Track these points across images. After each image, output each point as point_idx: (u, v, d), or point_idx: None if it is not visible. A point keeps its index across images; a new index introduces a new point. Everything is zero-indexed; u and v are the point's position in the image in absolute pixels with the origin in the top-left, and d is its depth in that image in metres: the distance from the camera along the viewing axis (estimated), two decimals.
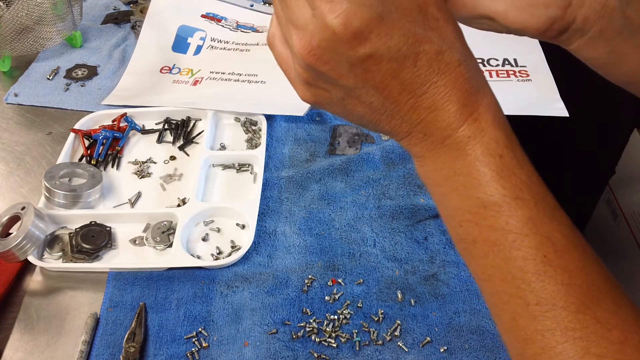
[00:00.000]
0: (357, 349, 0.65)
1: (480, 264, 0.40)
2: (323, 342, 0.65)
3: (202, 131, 0.90)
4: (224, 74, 1.00)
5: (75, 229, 0.75)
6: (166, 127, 0.92)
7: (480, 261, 0.40)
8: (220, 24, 1.09)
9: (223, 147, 0.89)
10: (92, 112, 0.93)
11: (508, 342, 0.40)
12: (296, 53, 0.37)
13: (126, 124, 0.91)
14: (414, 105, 0.38)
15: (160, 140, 0.90)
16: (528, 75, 0.97)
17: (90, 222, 0.76)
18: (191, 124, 0.92)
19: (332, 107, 0.41)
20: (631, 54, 0.53)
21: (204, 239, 0.76)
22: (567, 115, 0.88)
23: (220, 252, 0.74)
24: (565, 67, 0.84)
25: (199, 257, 0.73)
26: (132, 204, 0.81)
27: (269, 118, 0.91)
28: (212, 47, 1.06)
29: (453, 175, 0.39)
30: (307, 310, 0.68)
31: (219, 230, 0.77)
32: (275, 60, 0.42)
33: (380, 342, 0.65)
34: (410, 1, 0.37)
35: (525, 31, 0.51)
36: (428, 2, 0.37)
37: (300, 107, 0.90)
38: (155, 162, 0.87)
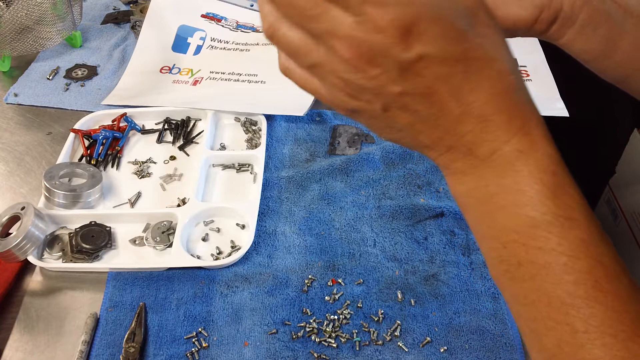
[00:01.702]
0: (357, 349, 0.65)
1: (523, 288, 0.37)
2: (323, 342, 0.65)
3: (202, 131, 0.90)
4: (224, 74, 1.00)
5: (75, 229, 0.75)
6: (166, 127, 0.92)
7: (524, 285, 0.37)
8: (220, 24, 1.09)
9: (223, 147, 0.89)
10: (92, 112, 0.93)
11: None
12: (343, 61, 0.34)
13: (126, 124, 0.91)
14: (463, 114, 0.35)
15: (160, 140, 0.90)
16: (528, 75, 0.97)
17: (90, 222, 0.76)
18: (191, 124, 0.92)
19: (371, 120, 0.39)
20: (621, 41, 0.53)
21: (204, 239, 0.76)
22: (567, 115, 0.88)
23: (220, 252, 0.74)
24: (565, 67, 0.84)
25: (199, 257, 0.73)
26: (132, 204, 0.81)
27: (269, 118, 0.91)
28: (212, 47, 1.06)
29: (501, 193, 0.37)
30: (307, 310, 0.68)
31: (219, 230, 0.77)
32: (299, 84, 0.39)
33: (380, 342, 0.65)
34: (464, 4, 0.35)
35: (516, 25, 0.51)
36: (480, 7, 0.36)
37: (300, 107, 0.90)
38: (155, 162, 0.87)
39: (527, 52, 0.99)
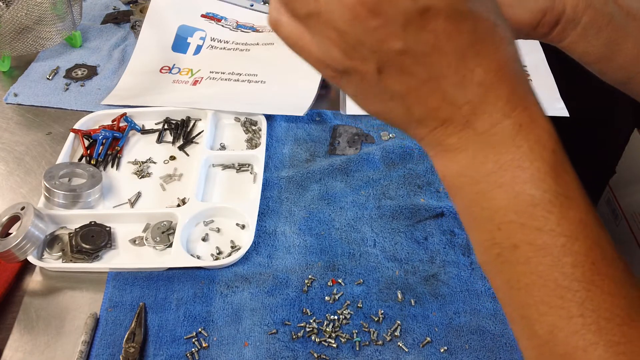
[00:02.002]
0: (357, 349, 0.65)
1: (516, 272, 0.35)
2: (323, 342, 0.65)
3: (202, 131, 0.90)
4: (224, 73, 1.00)
5: (75, 229, 0.75)
6: (166, 127, 0.92)
7: (518, 268, 0.35)
8: (220, 23, 1.09)
9: (223, 147, 0.89)
10: (91, 112, 0.93)
11: (537, 358, 0.36)
12: (343, 6, 0.31)
13: (126, 124, 0.91)
14: (464, 80, 0.33)
15: (160, 140, 0.90)
16: (528, 75, 0.97)
17: (90, 222, 0.76)
18: (191, 124, 0.92)
19: (361, 85, 0.35)
20: (624, 44, 0.53)
21: (203, 239, 0.76)
22: (567, 115, 0.88)
23: (220, 252, 0.74)
24: (565, 67, 0.84)
25: (198, 257, 0.73)
26: (132, 204, 0.81)
27: (269, 118, 0.91)
28: (212, 47, 1.06)
29: (498, 170, 0.34)
30: (307, 310, 0.68)
31: (218, 230, 0.77)
32: (287, 40, 0.36)
33: (380, 342, 0.65)
34: None
35: (519, 28, 0.51)
36: None
37: (300, 107, 0.90)
38: (155, 162, 0.87)
39: (527, 52, 0.99)
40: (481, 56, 0.33)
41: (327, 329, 0.66)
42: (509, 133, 0.34)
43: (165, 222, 0.76)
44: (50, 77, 1.02)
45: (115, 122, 0.91)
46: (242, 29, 1.08)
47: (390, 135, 0.90)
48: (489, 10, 0.33)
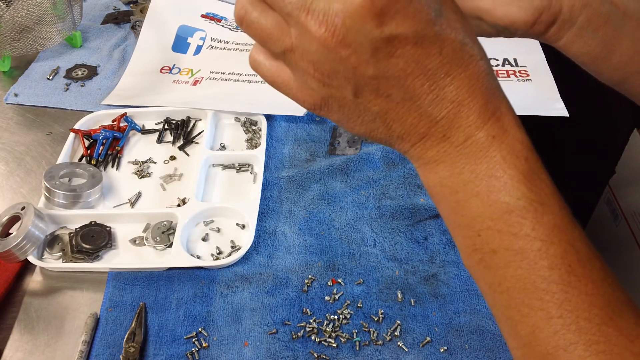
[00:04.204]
0: (357, 349, 0.65)
1: (497, 275, 0.37)
2: (323, 342, 0.65)
3: (202, 131, 0.90)
4: (224, 74, 1.00)
5: (75, 229, 0.75)
6: (166, 127, 0.92)
7: (499, 272, 0.37)
8: (220, 23, 1.09)
9: (223, 147, 0.89)
10: (92, 112, 0.93)
11: (523, 358, 0.38)
12: (314, 40, 0.34)
13: (126, 124, 0.91)
14: (437, 98, 0.35)
15: (160, 140, 0.90)
16: (528, 75, 0.97)
17: (90, 222, 0.76)
18: (191, 124, 0.92)
19: (341, 110, 0.38)
20: (620, 44, 0.53)
21: (204, 239, 0.76)
22: (567, 115, 0.88)
23: (220, 252, 0.74)
24: (565, 67, 0.84)
25: (199, 257, 0.73)
26: (132, 204, 0.81)
27: (269, 118, 0.91)
28: (212, 47, 1.06)
29: (474, 180, 0.36)
30: (307, 310, 0.68)
31: (219, 230, 0.77)
32: (267, 79, 0.39)
33: (380, 342, 0.65)
34: None
35: (515, 26, 0.51)
36: None
37: (300, 107, 0.90)
38: (155, 162, 0.87)
39: (527, 52, 0.99)
40: (451, 75, 0.35)
41: (327, 329, 0.66)
42: (482, 144, 0.36)
43: (165, 222, 0.76)
44: (50, 77, 1.02)
45: (115, 122, 0.91)
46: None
47: None
48: (457, 31, 0.35)
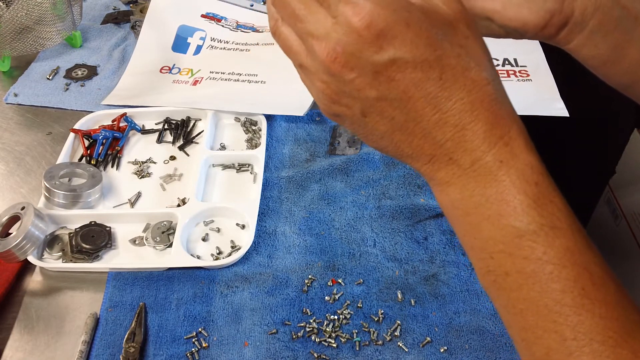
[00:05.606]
0: (357, 349, 0.65)
1: (511, 298, 0.38)
2: (323, 342, 0.65)
3: (202, 131, 0.90)
4: (224, 74, 1.00)
5: (75, 229, 0.75)
6: (166, 127, 0.92)
7: (512, 294, 0.37)
8: (220, 23, 1.09)
9: (223, 147, 0.89)
10: (92, 112, 0.93)
11: None
12: (321, 63, 0.36)
13: (126, 124, 0.91)
14: (439, 122, 0.36)
15: (160, 140, 0.90)
16: (528, 75, 0.97)
17: (90, 222, 0.76)
18: (191, 124, 0.92)
19: (353, 126, 0.40)
20: (630, 49, 0.53)
21: (204, 239, 0.76)
22: (567, 115, 0.88)
23: (220, 252, 0.74)
24: (565, 67, 0.84)
25: (199, 257, 0.73)
26: (132, 204, 0.81)
27: (269, 118, 0.91)
28: (212, 47, 1.06)
29: (485, 203, 0.37)
30: (307, 310, 0.68)
31: (219, 230, 0.77)
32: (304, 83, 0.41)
33: (380, 342, 0.65)
34: (441, 15, 0.36)
35: (525, 28, 0.51)
36: (459, 19, 0.36)
37: (300, 107, 0.90)
38: (155, 162, 0.87)
39: (527, 52, 0.99)
40: (452, 100, 0.36)
41: (327, 329, 0.66)
42: (489, 169, 0.37)
43: (165, 222, 0.76)
44: (50, 77, 1.02)
45: (115, 122, 0.91)
46: (242, 29, 1.09)
47: None
48: (459, 56, 0.36)
